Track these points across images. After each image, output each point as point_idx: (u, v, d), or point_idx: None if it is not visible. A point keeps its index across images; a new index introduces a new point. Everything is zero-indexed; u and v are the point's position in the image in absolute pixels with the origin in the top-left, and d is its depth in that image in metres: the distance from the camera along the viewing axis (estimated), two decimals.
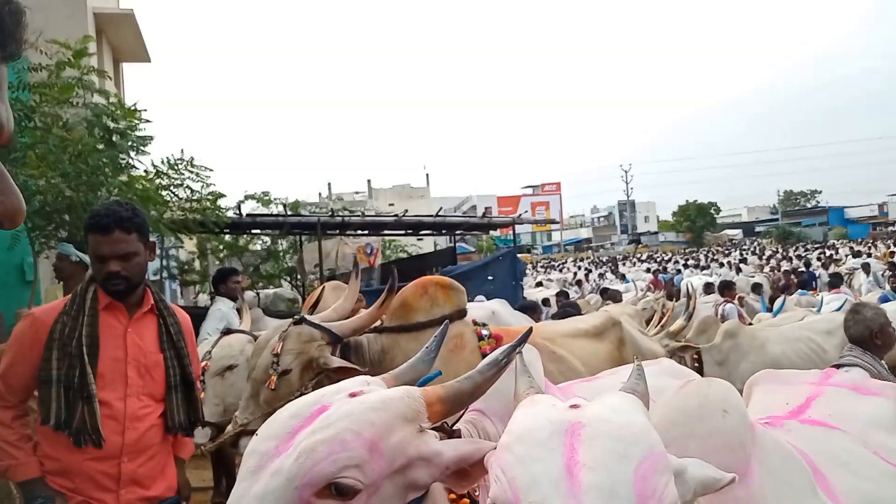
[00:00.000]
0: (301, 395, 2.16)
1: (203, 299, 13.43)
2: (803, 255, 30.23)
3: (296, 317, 3.08)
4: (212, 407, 3.64)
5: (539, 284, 19.03)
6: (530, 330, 1.55)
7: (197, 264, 13.61)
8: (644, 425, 1.10)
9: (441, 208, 13.79)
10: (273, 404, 2.86)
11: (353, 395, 1.33)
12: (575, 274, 26.24)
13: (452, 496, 1.46)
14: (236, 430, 3.02)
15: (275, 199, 11.73)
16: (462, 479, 1.31)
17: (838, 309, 8.28)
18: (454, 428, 1.43)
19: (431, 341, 1.63)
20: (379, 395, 1.33)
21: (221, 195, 8.66)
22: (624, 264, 34.09)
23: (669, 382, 1.92)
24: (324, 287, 3.97)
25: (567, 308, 7.17)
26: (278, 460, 1.22)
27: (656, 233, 76.31)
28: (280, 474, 1.19)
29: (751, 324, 7.42)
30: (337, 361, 2.95)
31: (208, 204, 8.47)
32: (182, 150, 7.87)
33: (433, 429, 1.35)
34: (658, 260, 36.72)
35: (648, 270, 24.93)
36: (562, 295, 12.05)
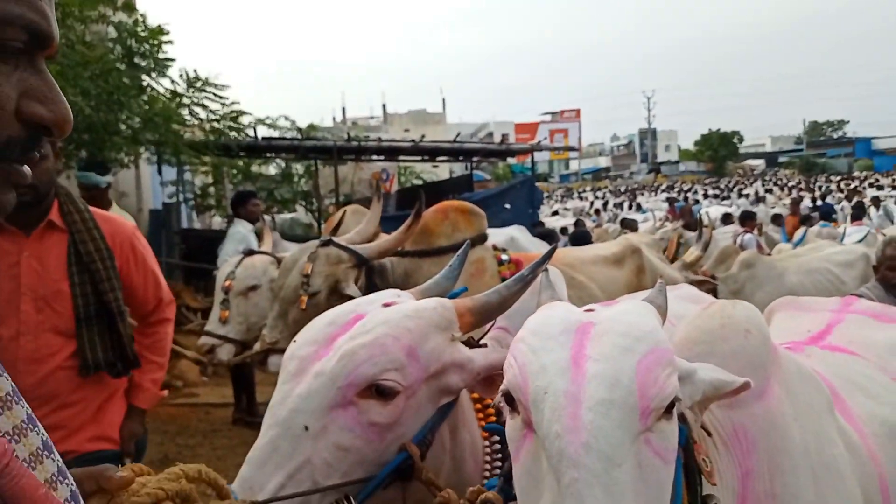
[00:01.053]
0: None
1: (217, 222, 13.54)
2: (822, 186, 29.82)
3: (323, 238, 3.12)
4: (236, 325, 3.74)
5: (555, 213, 18.95)
6: (555, 247, 1.60)
7: (211, 189, 13.67)
8: (652, 325, 1.14)
9: (459, 133, 13.63)
10: (302, 324, 2.91)
11: (386, 304, 1.39)
12: (591, 203, 26.11)
13: (478, 405, 1.52)
14: (264, 348, 3.09)
15: (288, 124, 11.57)
16: (491, 386, 1.36)
17: (860, 241, 8.21)
18: (480, 344, 1.47)
19: (454, 259, 1.69)
20: (413, 304, 1.39)
21: (243, 112, 8.49)
22: (642, 194, 33.80)
23: (689, 307, 1.93)
24: (345, 211, 4.00)
25: (579, 234, 7.19)
26: (319, 363, 1.28)
27: (677, 162, 75.17)
28: (323, 375, 1.26)
29: (769, 254, 7.39)
30: (353, 291, 2.96)
31: (230, 122, 8.35)
32: (195, 70, 7.74)
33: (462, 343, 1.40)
34: (678, 190, 36.36)
35: (667, 200, 24.76)
36: (579, 224, 12.00)
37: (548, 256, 1.53)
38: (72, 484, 0.69)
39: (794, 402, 1.44)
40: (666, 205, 22.04)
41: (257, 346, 3.18)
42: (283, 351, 3.11)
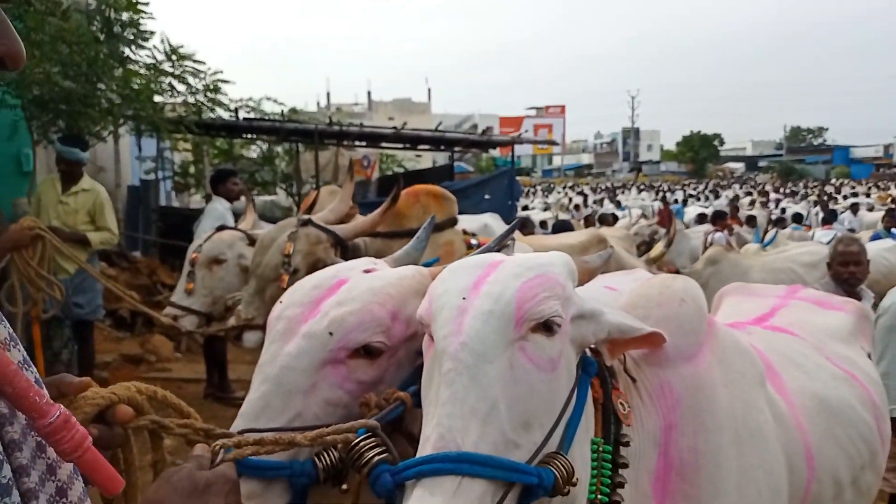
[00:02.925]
0: None
1: (196, 201, 13.49)
2: (799, 191, 30.36)
3: (302, 218, 3.18)
4: (201, 298, 3.79)
5: (525, 208, 19.01)
6: (518, 221, 1.73)
7: (192, 168, 13.59)
8: (549, 261, 1.30)
9: (441, 122, 13.65)
10: None
11: (367, 271, 1.50)
12: (571, 199, 26.28)
13: None
14: (240, 324, 3.14)
15: (272, 106, 11.48)
16: None
17: (828, 244, 8.41)
18: None
19: (421, 231, 1.84)
20: (394, 272, 1.51)
21: (225, 81, 8.38)
22: (623, 192, 34.10)
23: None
24: (319, 191, 4.05)
25: (561, 224, 7.34)
26: (307, 325, 1.38)
27: (658, 162, 75.80)
28: (313, 337, 1.36)
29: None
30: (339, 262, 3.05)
31: (212, 94, 8.27)
32: (169, 44, 7.64)
33: None
34: (657, 189, 36.70)
35: (653, 198, 25.02)
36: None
37: (511, 230, 1.68)
38: (22, 351, 0.78)
39: (725, 370, 1.55)
40: (645, 203, 22.28)
41: (232, 321, 3.23)
42: (258, 327, 3.19)
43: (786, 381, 1.79)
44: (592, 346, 1.35)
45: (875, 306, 3.74)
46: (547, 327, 1.19)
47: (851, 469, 1.85)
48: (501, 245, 1.68)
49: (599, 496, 1.32)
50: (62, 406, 0.75)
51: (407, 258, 1.75)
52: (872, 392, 2.06)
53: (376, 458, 1.16)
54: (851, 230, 12.81)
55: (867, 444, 1.92)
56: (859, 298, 3.74)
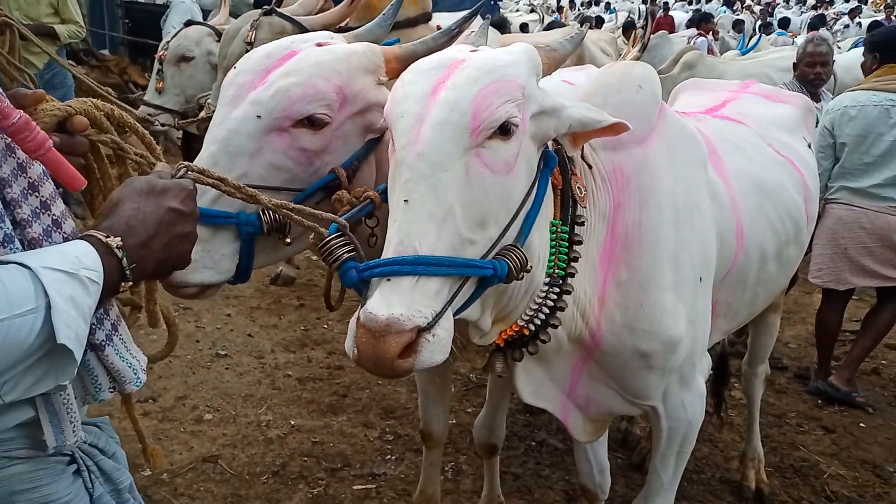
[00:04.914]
0: None
1: None
2: None
3: (266, 7, 3.11)
4: (172, 96, 3.82)
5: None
6: (482, 4, 1.69)
7: None
8: (510, 62, 1.31)
9: None
10: None
11: (319, 44, 1.53)
12: (558, 0, 25.00)
13: None
14: (209, 115, 3.18)
15: None
16: None
17: None
18: None
19: (387, 9, 1.81)
20: (344, 47, 1.54)
21: None
22: None
23: None
24: None
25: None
26: (254, 93, 1.45)
27: None
28: (259, 105, 1.44)
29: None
30: None
31: None
32: None
33: None
34: None
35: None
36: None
37: (475, 13, 1.67)
38: None
39: (671, 153, 1.67)
40: (632, 5, 21.36)
41: (203, 114, 3.28)
42: None
43: (727, 163, 1.92)
44: (554, 139, 1.41)
45: None
46: (503, 131, 1.25)
47: (777, 244, 2.04)
48: (463, 27, 1.65)
49: (557, 270, 1.48)
50: (22, 111, 0.82)
51: (368, 35, 1.74)
52: (806, 176, 2.22)
53: (345, 255, 1.26)
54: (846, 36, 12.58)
55: (794, 222, 2.11)
56: (819, 100, 3.83)
